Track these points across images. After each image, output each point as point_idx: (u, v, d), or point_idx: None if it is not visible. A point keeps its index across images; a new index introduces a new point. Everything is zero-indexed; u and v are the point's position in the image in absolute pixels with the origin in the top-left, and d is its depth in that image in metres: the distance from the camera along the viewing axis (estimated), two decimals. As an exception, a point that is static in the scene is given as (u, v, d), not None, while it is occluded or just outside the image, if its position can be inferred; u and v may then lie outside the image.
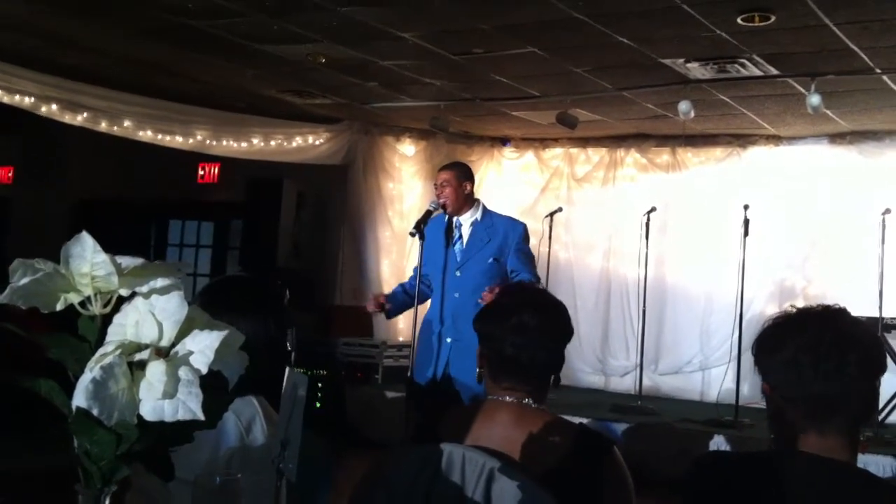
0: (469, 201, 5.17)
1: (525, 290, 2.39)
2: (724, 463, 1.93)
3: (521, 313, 2.22)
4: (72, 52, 7.45)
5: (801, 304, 1.93)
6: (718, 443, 6.82)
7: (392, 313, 5.48)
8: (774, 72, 6.91)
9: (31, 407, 1.19)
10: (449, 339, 5.01)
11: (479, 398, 2.35)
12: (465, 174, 5.22)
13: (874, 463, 6.08)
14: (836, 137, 8.83)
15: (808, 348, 1.71)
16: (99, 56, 7.52)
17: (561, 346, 2.29)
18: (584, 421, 6.39)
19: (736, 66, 6.78)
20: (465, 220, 5.15)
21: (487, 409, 2.23)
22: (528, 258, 5.15)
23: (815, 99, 6.98)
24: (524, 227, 5.24)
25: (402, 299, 5.35)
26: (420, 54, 6.98)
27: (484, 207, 5.22)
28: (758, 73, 6.93)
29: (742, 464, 1.84)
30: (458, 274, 5.07)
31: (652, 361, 9.11)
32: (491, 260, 5.03)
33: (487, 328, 2.29)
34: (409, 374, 5.31)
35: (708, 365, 9.00)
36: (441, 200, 5.13)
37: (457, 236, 5.14)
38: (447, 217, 5.18)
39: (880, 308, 7.32)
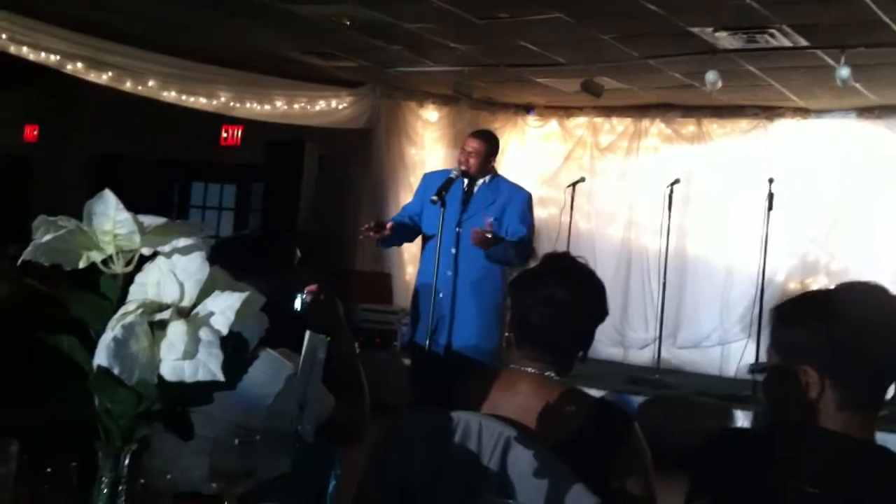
0: (487, 170, 5.21)
1: (565, 262, 2.33)
2: (736, 440, 1.92)
3: (554, 285, 2.18)
4: (97, 10, 7.44)
5: (823, 279, 1.92)
6: (736, 418, 6.81)
7: (387, 242, 5.38)
8: (804, 43, 6.81)
9: (55, 362, 1.20)
10: (441, 295, 5.03)
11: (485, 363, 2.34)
12: (494, 149, 5.23)
13: (891, 440, 6.06)
14: (865, 111, 8.70)
15: (863, 322, 1.71)
16: (124, 14, 7.50)
17: (591, 324, 2.24)
18: (602, 393, 6.40)
19: (765, 36, 6.68)
20: (477, 184, 5.18)
21: (507, 379, 2.21)
22: (529, 226, 5.13)
23: (844, 72, 6.89)
24: (528, 194, 5.25)
25: (404, 231, 5.29)
26: (444, 17, 6.92)
27: (495, 172, 5.25)
28: (787, 43, 6.83)
29: (756, 440, 1.84)
30: (458, 231, 5.08)
31: (671, 335, 9.08)
32: (491, 219, 5.02)
33: (518, 294, 2.25)
34: (412, 338, 5.32)
35: (727, 339, 8.96)
36: (463, 167, 5.12)
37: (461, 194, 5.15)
38: (465, 182, 5.18)
39: (904, 285, 7.25)
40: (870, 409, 1.75)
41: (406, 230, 5.32)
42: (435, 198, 5.07)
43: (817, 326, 1.73)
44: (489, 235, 4.83)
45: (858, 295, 1.79)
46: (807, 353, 1.73)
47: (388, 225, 5.19)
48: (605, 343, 9.25)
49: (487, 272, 5.05)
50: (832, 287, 1.86)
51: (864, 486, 1.62)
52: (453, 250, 5.08)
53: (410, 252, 9.73)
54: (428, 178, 5.40)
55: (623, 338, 9.53)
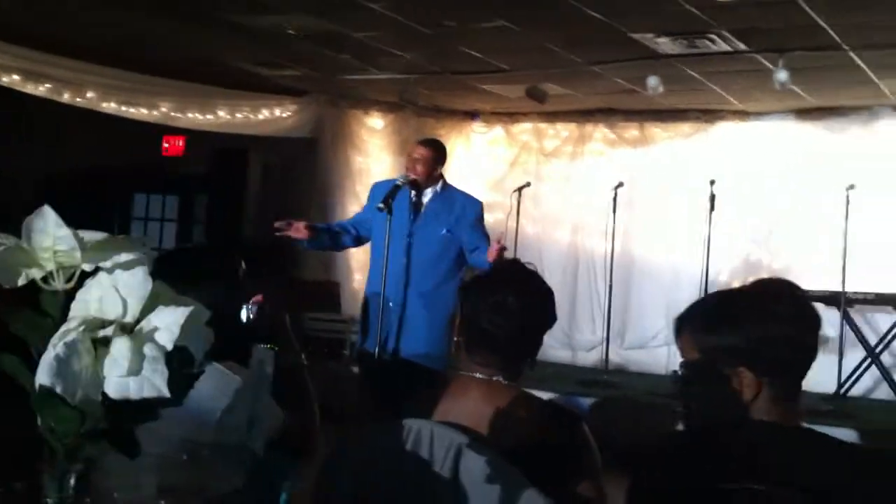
0: (436, 179, 5.18)
1: (515, 269, 2.36)
2: (673, 443, 1.94)
3: (506, 293, 2.20)
4: (34, 20, 7.30)
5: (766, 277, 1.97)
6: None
7: (312, 243, 5.26)
8: (743, 47, 6.93)
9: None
10: (391, 304, 4.99)
11: (438, 371, 2.34)
12: (441, 157, 5.20)
13: (835, 436, 6.16)
14: (803, 113, 8.88)
15: (788, 319, 1.75)
16: (64, 25, 7.38)
17: (540, 331, 2.27)
18: (551, 395, 6.44)
19: (705, 41, 6.79)
20: (426, 193, 5.15)
21: (457, 385, 2.22)
22: (486, 234, 5.15)
23: (782, 75, 7.03)
24: (481, 204, 5.27)
25: (328, 236, 5.28)
26: (391, 26, 6.92)
27: (444, 181, 5.22)
28: (727, 48, 6.95)
29: (693, 441, 1.86)
30: (408, 241, 5.05)
31: (618, 336, 9.17)
32: (444, 231, 5.03)
33: (468, 300, 2.27)
34: (358, 346, 5.30)
35: (674, 339, 9.05)
36: (411, 175, 5.10)
37: (410, 203, 5.12)
38: (411, 191, 5.15)
39: (843, 283, 7.41)
40: (796, 399, 1.80)
41: (335, 235, 5.30)
42: (382, 205, 5.04)
43: (748, 328, 1.76)
44: (496, 246, 4.82)
45: (775, 292, 1.83)
46: (740, 356, 1.76)
47: (303, 224, 5.11)
48: (554, 346, 9.30)
49: (442, 281, 5.03)
50: (743, 286, 1.90)
51: (811, 470, 1.65)
52: (404, 260, 5.05)
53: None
54: (376, 187, 5.36)
55: (571, 340, 9.60)
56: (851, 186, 7.49)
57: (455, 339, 2.23)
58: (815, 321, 1.80)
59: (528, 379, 2.28)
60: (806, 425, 1.80)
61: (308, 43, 7.55)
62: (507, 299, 2.18)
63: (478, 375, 2.20)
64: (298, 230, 5.07)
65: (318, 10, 6.63)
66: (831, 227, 7.86)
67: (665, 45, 6.97)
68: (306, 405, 2.51)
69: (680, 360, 1.88)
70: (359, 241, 5.36)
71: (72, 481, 1.19)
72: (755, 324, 1.76)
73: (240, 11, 6.72)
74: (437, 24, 6.86)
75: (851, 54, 6.89)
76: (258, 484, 1.99)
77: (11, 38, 7.57)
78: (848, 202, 7.45)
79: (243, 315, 2.38)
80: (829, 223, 8.02)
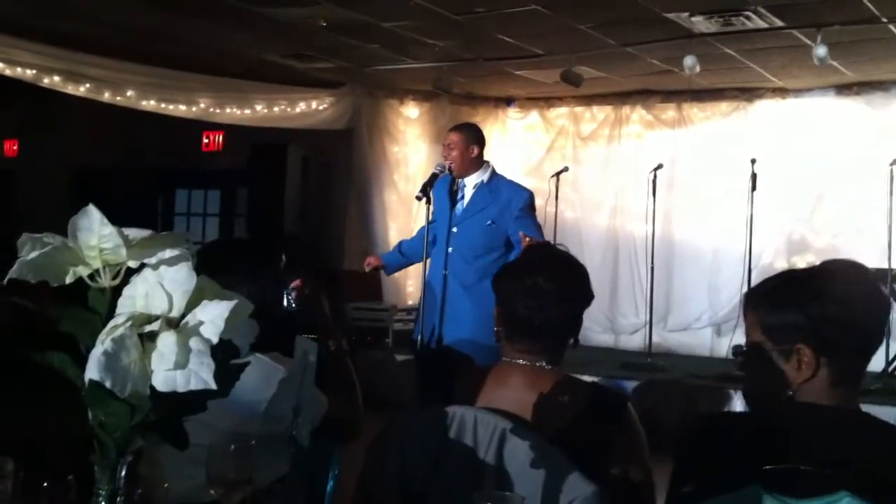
0: (476, 164, 5.10)
1: (545, 252, 2.35)
2: (729, 422, 1.93)
3: (537, 275, 2.19)
4: (70, 21, 7.40)
5: (809, 257, 1.95)
6: (730, 398, 6.84)
7: (390, 270, 5.65)
8: (779, 23, 6.84)
9: (47, 379, 1.20)
10: (444, 296, 5.02)
11: (476, 360, 2.34)
12: (473, 137, 5.14)
13: (883, 414, 6.06)
14: (843, 89, 8.75)
15: (853, 301, 1.74)
16: (98, 24, 7.47)
17: (578, 310, 2.25)
18: (595, 379, 6.42)
19: (741, 18, 6.71)
20: (470, 182, 5.10)
21: (499, 372, 2.22)
22: (534, 224, 5.06)
23: (821, 50, 6.92)
24: (529, 194, 5.15)
25: (398, 260, 5.45)
26: (421, 14, 6.92)
27: (493, 171, 5.15)
28: (763, 24, 6.86)
29: (749, 420, 1.85)
30: (454, 231, 5.05)
31: (661, 318, 9.12)
32: (489, 223, 4.99)
33: (502, 288, 2.26)
34: (414, 335, 5.33)
35: (717, 320, 9.01)
36: (447, 163, 5.10)
37: (459, 197, 5.12)
38: (452, 178, 5.16)
39: (889, 259, 7.30)
40: (856, 382, 1.78)
41: (396, 264, 5.49)
42: (420, 194, 5.06)
43: (811, 306, 1.75)
44: (527, 240, 4.73)
45: (842, 272, 1.82)
46: (801, 334, 1.75)
47: (377, 263, 5.46)
48: (596, 330, 9.29)
49: (487, 274, 4.97)
50: (811, 266, 1.89)
51: (862, 455, 1.64)
52: (449, 249, 5.06)
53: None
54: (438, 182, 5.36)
55: (613, 324, 9.56)
56: (895, 162, 7.37)
57: (496, 329, 2.22)
58: (882, 305, 1.79)
59: (571, 364, 2.28)
60: (864, 410, 1.77)
61: (339, 34, 7.58)
62: (540, 282, 2.18)
63: (520, 362, 2.20)
64: (370, 263, 5.48)
65: (347, 0, 6.65)
66: (875, 204, 7.74)
67: (700, 23, 6.90)
68: (350, 392, 2.53)
69: (729, 341, 1.88)
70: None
71: (122, 473, 1.21)
72: (818, 303, 1.74)
73: (270, 4, 6.75)
74: (469, 10, 6.85)
75: (891, 27, 6.77)
76: (305, 471, 2.02)
77: (49, 40, 7.68)
78: (892, 177, 7.33)
79: (284, 301, 2.41)
80: (872, 199, 7.89)
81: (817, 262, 1.94)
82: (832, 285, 1.77)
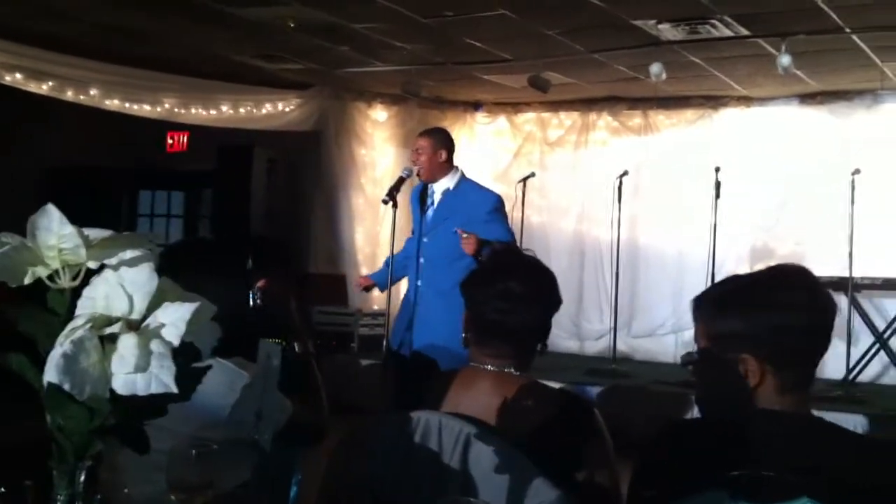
0: (444, 169, 5.06)
1: (514, 256, 2.36)
2: (684, 429, 1.94)
3: (508, 280, 2.20)
4: (36, 18, 7.30)
5: (772, 264, 1.95)
6: (692, 404, 6.89)
7: (383, 287, 5.39)
8: (745, 32, 6.91)
9: (4, 381, 1.18)
10: (416, 303, 5.01)
11: (445, 367, 2.33)
12: (441, 142, 5.10)
13: (844, 422, 6.16)
14: (807, 98, 8.86)
15: (796, 307, 1.74)
16: (64, 22, 7.38)
17: (547, 315, 2.26)
18: (559, 385, 6.43)
19: (707, 26, 6.77)
20: (438, 189, 5.06)
21: (466, 377, 2.22)
22: (503, 227, 5.00)
23: (785, 59, 7.00)
24: (497, 198, 5.09)
25: (387, 276, 5.29)
26: (390, 17, 6.91)
27: (462, 176, 5.11)
28: (729, 33, 6.93)
29: (703, 428, 1.86)
30: (425, 240, 5.04)
31: (625, 324, 9.17)
32: (455, 230, 4.90)
33: (473, 292, 2.27)
34: (385, 341, 5.32)
35: (681, 327, 9.06)
36: (416, 168, 5.08)
37: (429, 203, 5.11)
38: (423, 185, 5.15)
39: (850, 268, 7.39)
40: (805, 388, 1.78)
41: (386, 279, 5.30)
42: (386, 198, 5.05)
43: (753, 315, 1.75)
44: (465, 236, 4.72)
45: (786, 279, 1.81)
46: (744, 343, 1.75)
47: (369, 283, 5.50)
48: (562, 336, 9.31)
49: (456, 282, 4.90)
50: (756, 272, 1.89)
51: (817, 459, 1.65)
52: (421, 260, 5.05)
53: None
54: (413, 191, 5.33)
55: (579, 330, 9.61)
56: (857, 171, 7.46)
57: (463, 335, 2.21)
58: (827, 310, 1.77)
59: (536, 370, 2.28)
60: (815, 414, 1.78)
61: (308, 35, 7.54)
62: (510, 286, 2.18)
63: (488, 367, 2.20)
64: (361, 284, 5.58)
65: (316, 1, 6.62)
66: (837, 213, 7.84)
67: (667, 31, 6.95)
68: (315, 396, 2.52)
69: (687, 347, 1.89)
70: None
71: (81, 478, 1.19)
72: (761, 310, 1.74)
73: (238, 4, 6.71)
74: (438, 14, 6.85)
75: (854, 37, 6.86)
76: (267, 476, 2.00)
77: (12, 37, 7.57)
78: (854, 187, 7.42)
79: (250, 301, 2.39)
80: (835, 208, 7.99)
81: None
82: (777, 292, 1.77)
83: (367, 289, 5.50)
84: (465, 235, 4.73)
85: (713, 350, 1.80)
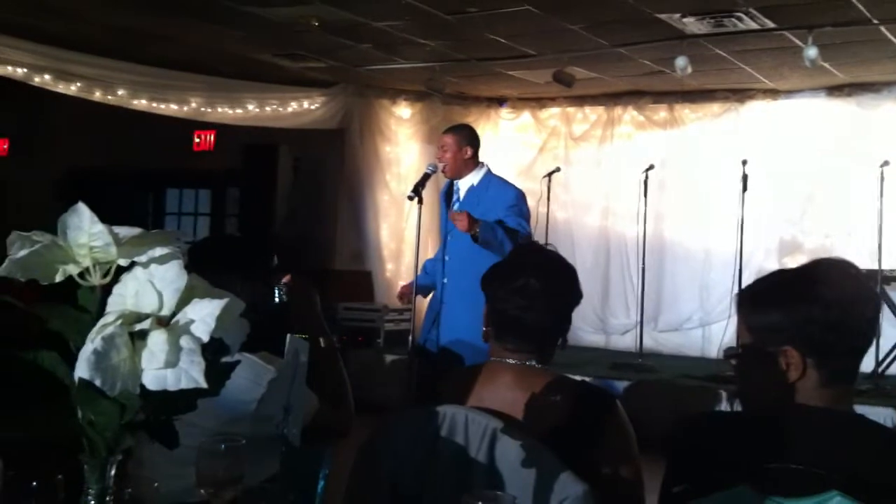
0: (469, 165, 5.07)
1: (534, 251, 2.36)
2: (720, 422, 1.94)
3: (527, 275, 2.20)
4: (62, 21, 7.38)
5: (800, 257, 1.94)
6: (720, 398, 6.86)
7: (427, 293, 5.34)
8: (771, 24, 6.86)
9: (35, 377, 1.20)
10: (442, 301, 5.03)
11: (471, 363, 2.33)
12: (466, 139, 5.11)
13: (874, 414, 6.11)
14: (834, 90, 8.78)
15: (839, 301, 1.73)
16: (89, 24, 7.45)
17: (567, 310, 2.26)
18: (585, 379, 6.42)
19: (732, 19, 6.73)
20: (463, 185, 5.08)
21: (489, 372, 2.22)
22: (518, 220, 4.92)
23: (812, 51, 6.94)
24: (517, 192, 5.06)
25: (427, 281, 5.27)
26: (413, 14, 6.92)
27: (487, 172, 5.11)
28: (754, 26, 6.88)
29: (740, 421, 1.85)
30: (449, 238, 5.04)
31: (652, 319, 9.13)
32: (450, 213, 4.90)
33: (492, 288, 2.27)
34: (410, 336, 5.34)
35: (708, 321, 9.02)
36: (441, 164, 5.09)
37: (454, 199, 5.12)
38: (450, 183, 5.17)
39: (879, 260, 7.32)
40: (848, 383, 1.77)
41: (426, 285, 5.27)
42: (412, 194, 5.06)
43: (795, 308, 1.74)
44: (456, 215, 4.70)
45: (830, 272, 1.80)
46: (787, 335, 1.74)
47: (404, 290, 5.40)
48: (587, 330, 9.30)
49: (477, 280, 4.83)
50: (800, 266, 1.88)
51: (852, 456, 1.64)
52: (446, 258, 5.06)
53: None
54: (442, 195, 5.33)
55: (605, 324, 9.58)
56: (886, 163, 7.39)
57: (484, 328, 2.22)
58: (870, 304, 1.77)
59: (562, 364, 2.28)
60: (856, 411, 1.76)
61: (331, 34, 7.57)
62: (530, 281, 2.18)
63: (510, 361, 2.20)
64: (404, 294, 5.39)
65: (339, 0, 6.64)
66: (866, 205, 7.76)
67: (692, 24, 6.91)
68: (341, 391, 2.53)
69: (720, 341, 1.88)
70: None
71: (112, 472, 1.21)
72: (804, 304, 1.73)
73: (261, 4, 6.74)
74: (461, 10, 6.85)
75: (882, 28, 6.79)
76: (295, 471, 2.02)
77: (40, 39, 7.65)
78: (882, 179, 7.34)
79: (275, 296, 2.41)
80: (863, 200, 7.92)
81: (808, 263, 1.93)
82: (819, 286, 1.75)
83: (408, 296, 5.35)
84: (456, 214, 4.73)
85: (755, 344, 1.80)
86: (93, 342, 1.12)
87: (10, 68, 7.67)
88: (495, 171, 5.31)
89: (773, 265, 8.49)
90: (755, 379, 1.83)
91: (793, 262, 8.72)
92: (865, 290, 1.79)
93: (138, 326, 1.15)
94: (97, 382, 1.11)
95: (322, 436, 2.32)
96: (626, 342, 9.24)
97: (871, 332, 1.77)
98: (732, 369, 1.91)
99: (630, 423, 2.16)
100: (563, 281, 2.27)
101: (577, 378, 2.37)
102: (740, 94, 9.20)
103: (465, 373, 2.34)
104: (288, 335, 1.81)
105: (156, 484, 1.56)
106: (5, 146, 11.87)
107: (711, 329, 8.91)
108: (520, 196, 5.07)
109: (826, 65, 7.72)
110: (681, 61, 7.37)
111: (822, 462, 1.58)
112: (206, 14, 7.07)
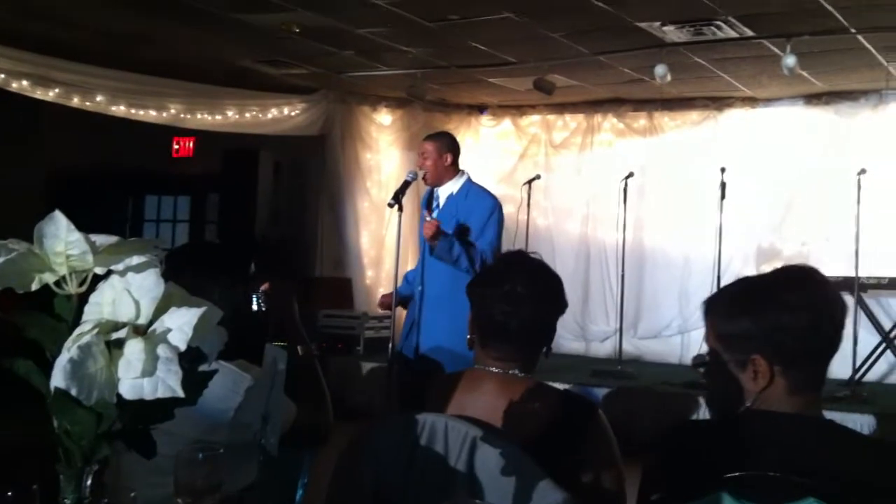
0: (450, 173, 5.07)
1: (521, 259, 2.36)
2: (694, 431, 1.95)
3: (514, 282, 2.20)
4: (42, 24, 7.33)
5: (778, 264, 1.95)
6: (699, 405, 6.88)
7: (407, 303, 5.33)
8: (750, 33, 6.90)
9: (9, 385, 1.19)
10: (420, 308, 5.03)
11: (450, 370, 2.33)
12: (446, 146, 5.10)
13: (852, 421, 6.15)
14: (812, 98, 8.85)
15: (805, 307, 1.73)
16: (69, 28, 7.40)
17: (552, 318, 2.27)
18: (565, 387, 6.43)
19: (712, 28, 6.77)
20: (443, 193, 5.08)
21: (471, 379, 2.22)
22: (494, 234, 4.95)
23: (790, 60, 6.99)
24: (493, 204, 5.04)
25: (409, 290, 5.26)
26: (395, 21, 6.92)
27: (467, 180, 5.11)
28: (733, 34, 6.92)
29: (712, 429, 1.86)
30: (426, 243, 5.04)
31: (631, 326, 9.16)
32: (450, 233, 4.88)
33: (478, 293, 2.27)
34: (390, 344, 5.33)
35: (687, 328, 9.06)
36: (421, 171, 5.09)
37: (434, 206, 5.12)
38: (430, 190, 5.16)
39: (856, 268, 7.38)
40: (816, 389, 1.78)
41: (410, 289, 5.25)
42: (392, 201, 5.06)
43: (762, 316, 1.75)
44: (428, 219, 4.75)
45: (795, 279, 1.81)
46: (754, 344, 1.75)
47: (384, 300, 5.37)
48: (567, 337, 9.32)
49: (455, 286, 4.61)
50: (766, 273, 1.89)
51: (824, 461, 1.64)
52: (425, 264, 5.04)
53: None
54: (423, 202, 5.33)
55: (584, 331, 9.60)
56: (863, 171, 7.45)
57: (468, 336, 2.22)
58: (836, 310, 1.77)
59: (542, 371, 2.28)
60: (826, 416, 1.77)
61: (312, 40, 7.56)
62: (517, 289, 2.19)
63: (493, 369, 2.20)
64: (385, 303, 5.34)
65: (320, 6, 6.63)
66: (843, 212, 7.82)
67: (671, 32, 6.95)
68: (319, 399, 2.52)
69: (694, 349, 1.88)
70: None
71: (88, 482, 1.20)
72: (769, 310, 1.74)
73: (242, 9, 6.73)
74: (442, 18, 6.86)
75: (859, 37, 6.85)
76: (274, 479, 2.01)
77: (18, 44, 7.59)
78: (859, 187, 7.41)
79: (254, 304, 2.40)
80: (841, 208, 7.98)
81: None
82: (785, 293, 1.76)
83: (390, 307, 5.30)
84: (428, 219, 4.77)
85: (723, 351, 1.80)
86: (69, 351, 1.11)
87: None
88: (476, 178, 5.32)
89: (751, 272, 8.51)
90: (723, 387, 1.84)
91: (771, 268, 8.75)
92: (832, 296, 1.79)
93: (115, 335, 1.14)
94: (73, 392, 1.10)
95: (301, 443, 2.31)
96: (606, 349, 9.28)
97: (837, 337, 1.77)
98: (703, 376, 1.92)
99: (611, 431, 2.16)
100: (549, 288, 2.27)
101: (559, 386, 2.37)
102: (719, 102, 9.26)
103: (446, 380, 2.34)
104: (266, 344, 1.81)
105: (133, 493, 1.55)
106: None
107: (691, 336, 8.94)
108: (496, 207, 5.06)
109: (804, 73, 7.78)
110: (660, 69, 7.41)
111: (794, 468, 1.59)
112: (187, 20, 7.04)
